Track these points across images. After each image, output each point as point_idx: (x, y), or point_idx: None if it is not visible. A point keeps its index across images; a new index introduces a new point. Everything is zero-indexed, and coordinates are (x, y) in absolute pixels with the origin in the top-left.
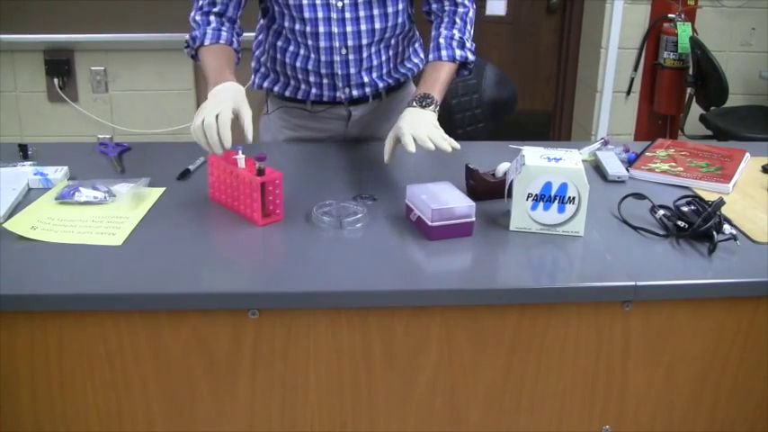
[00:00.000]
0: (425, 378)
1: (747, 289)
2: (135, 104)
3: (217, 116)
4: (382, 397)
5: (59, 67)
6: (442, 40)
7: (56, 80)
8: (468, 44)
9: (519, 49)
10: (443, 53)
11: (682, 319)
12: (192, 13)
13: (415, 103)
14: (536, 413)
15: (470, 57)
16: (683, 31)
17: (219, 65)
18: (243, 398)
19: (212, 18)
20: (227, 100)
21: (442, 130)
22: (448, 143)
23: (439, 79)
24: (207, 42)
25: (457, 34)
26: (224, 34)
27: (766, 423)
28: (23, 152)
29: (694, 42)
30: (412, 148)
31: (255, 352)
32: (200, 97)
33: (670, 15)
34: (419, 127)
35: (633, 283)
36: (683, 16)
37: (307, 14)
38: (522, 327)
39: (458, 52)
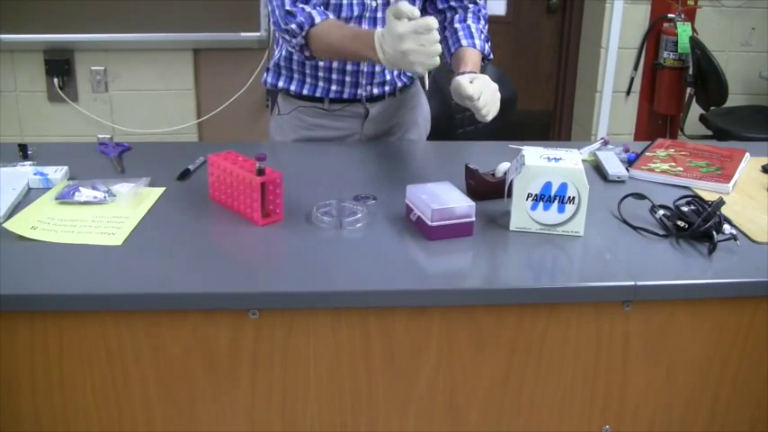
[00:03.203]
0: (425, 378)
1: (747, 289)
2: (135, 104)
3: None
4: (382, 397)
5: (59, 66)
6: (474, 30)
7: (56, 80)
8: (489, 43)
9: (519, 49)
10: (477, 42)
11: (682, 319)
12: (279, 9)
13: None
14: (536, 413)
15: (491, 55)
16: (683, 30)
17: (353, 30)
18: (243, 398)
19: (305, 6)
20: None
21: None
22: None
23: (478, 65)
24: (318, 20)
25: (484, 30)
26: (331, 15)
27: (766, 423)
28: (23, 152)
29: (694, 42)
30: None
31: (255, 352)
32: (200, 97)
33: (670, 15)
34: (493, 89)
35: (633, 283)
36: (682, 16)
37: (344, 14)
38: (521, 327)
39: (487, 47)
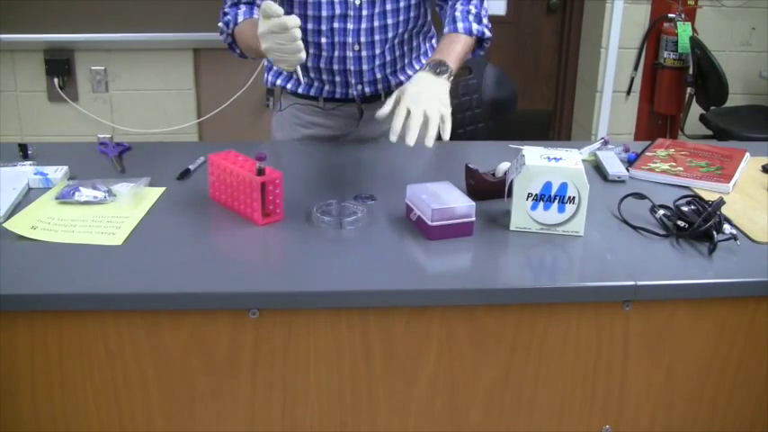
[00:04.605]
0: (425, 378)
1: (747, 289)
2: (135, 104)
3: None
4: (382, 397)
5: (59, 66)
6: (458, 14)
7: (56, 80)
8: (484, 20)
9: (519, 48)
10: (459, 25)
11: (682, 319)
12: (222, 9)
13: (428, 69)
14: (536, 413)
15: (487, 33)
16: (683, 30)
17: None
18: (243, 398)
19: (242, 5)
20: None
21: (448, 107)
22: (430, 138)
23: (454, 50)
24: (241, 19)
25: (473, 9)
26: (257, 14)
27: (766, 423)
28: (23, 152)
29: (694, 42)
30: (393, 137)
31: (255, 352)
32: (200, 97)
33: (670, 15)
34: (421, 100)
35: (633, 283)
36: (683, 16)
37: (324, 12)
38: (521, 327)
39: (474, 26)
